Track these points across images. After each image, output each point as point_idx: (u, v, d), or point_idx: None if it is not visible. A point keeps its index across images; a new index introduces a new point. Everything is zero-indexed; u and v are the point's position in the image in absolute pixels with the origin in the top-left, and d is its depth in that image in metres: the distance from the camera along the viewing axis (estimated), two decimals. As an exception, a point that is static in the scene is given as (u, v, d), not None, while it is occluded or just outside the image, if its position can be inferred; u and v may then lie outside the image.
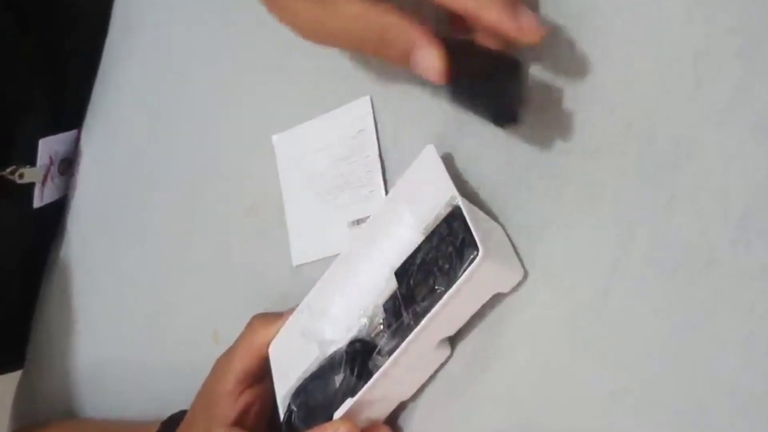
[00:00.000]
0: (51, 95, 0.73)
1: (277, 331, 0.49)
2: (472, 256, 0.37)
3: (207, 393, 0.52)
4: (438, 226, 0.41)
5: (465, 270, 0.37)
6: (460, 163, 0.45)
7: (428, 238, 0.41)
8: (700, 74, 0.35)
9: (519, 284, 0.41)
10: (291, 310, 0.50)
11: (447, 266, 0.39)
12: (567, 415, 0.39)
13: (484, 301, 0.41)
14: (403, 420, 0.46)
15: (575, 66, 0.40)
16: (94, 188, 0.75)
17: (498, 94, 0.40)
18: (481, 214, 0.42)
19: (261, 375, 0.50)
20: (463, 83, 0.39)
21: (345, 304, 0.47)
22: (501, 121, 0.40)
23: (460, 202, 0.40)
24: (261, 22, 0.51)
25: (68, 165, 0.76)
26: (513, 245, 0.42)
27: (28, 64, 0.71)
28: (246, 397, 0.50)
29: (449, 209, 0.41)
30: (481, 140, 0.44)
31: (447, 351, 0.43)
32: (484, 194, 0.44)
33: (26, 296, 0.79)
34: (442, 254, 0.40)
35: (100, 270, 0.73)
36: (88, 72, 0.75)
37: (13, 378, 0.81)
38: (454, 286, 0.37)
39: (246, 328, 0.51)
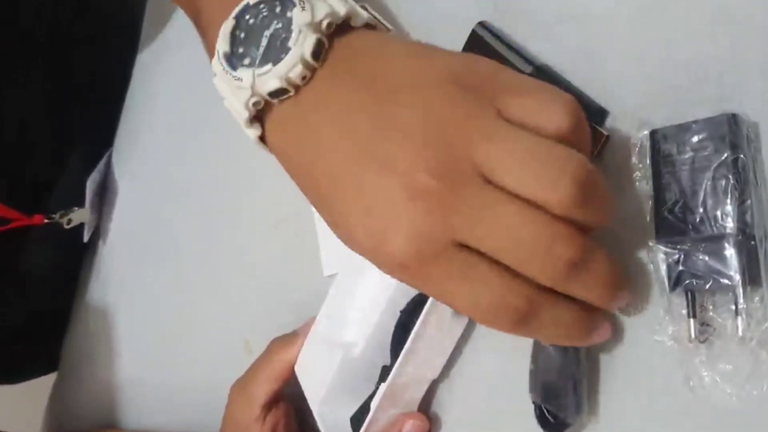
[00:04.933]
0: (87, 128, 0.74)
1: (298, 350, 0.49)
2: None
3: (232, 423, 0.53)
4: None
5: None
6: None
7: None
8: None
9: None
10: (307, 325, 0.50)
11: None
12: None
13: None
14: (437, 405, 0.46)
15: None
16: (127, 202, 0.75)
17: None
18: None
19: (282, 394, 0.52)
20: None
21: (362, 301, 0.48)
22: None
23: None
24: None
25: (102, 185, 0.76)
26: None
27: (68, 103, 0.71)
28: (271, 418, 0.51)
29: None
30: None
31: (465, 319, 0.43)
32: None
33: (59, 303, 0.79)
34: None
35: (132, 282, 0.74)
36: (119, 95, 0.75)
37: (46, 384, 0.83)
38: None
39: (264, 352, 0.52)
